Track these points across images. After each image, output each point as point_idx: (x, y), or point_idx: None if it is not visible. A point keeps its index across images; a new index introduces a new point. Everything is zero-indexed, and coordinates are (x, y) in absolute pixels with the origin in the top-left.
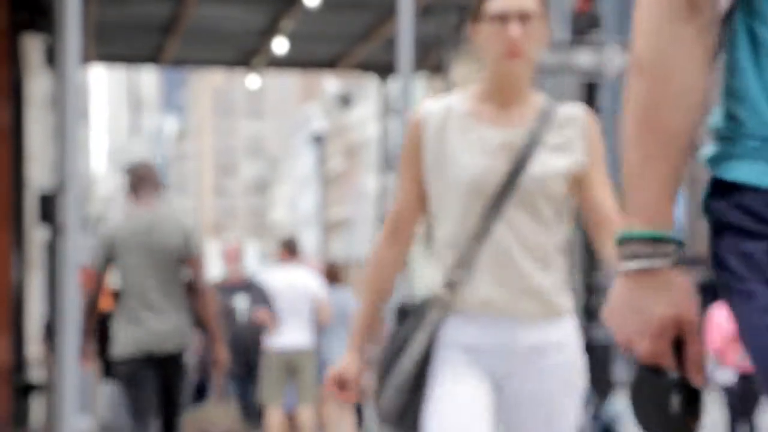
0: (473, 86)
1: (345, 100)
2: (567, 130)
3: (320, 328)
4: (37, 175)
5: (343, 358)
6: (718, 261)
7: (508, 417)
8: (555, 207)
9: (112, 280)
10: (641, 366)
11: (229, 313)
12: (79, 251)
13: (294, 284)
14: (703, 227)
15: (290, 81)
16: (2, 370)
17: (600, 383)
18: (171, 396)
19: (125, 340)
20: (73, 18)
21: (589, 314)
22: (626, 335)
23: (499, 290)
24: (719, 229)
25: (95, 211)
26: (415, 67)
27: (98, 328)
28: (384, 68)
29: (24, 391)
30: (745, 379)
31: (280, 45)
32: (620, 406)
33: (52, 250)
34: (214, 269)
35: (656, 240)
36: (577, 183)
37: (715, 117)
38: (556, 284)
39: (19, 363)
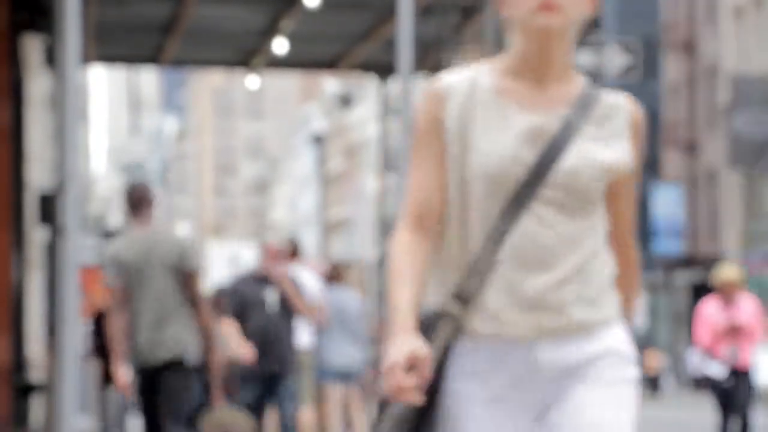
0: (500, 58)
1: (345, 101)
2: (610, 121)
3: (319, 328)
4: (37, 175)
5: (400, 341)
6: None
7: None
8: (590, 207)
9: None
10: None
11: (258, 305)
12: (79, 251)
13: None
14: (704, 227)
15: (290, 81)
16: (2, 371)
17: None
18: (174, 400)
19: (131, 350)
20: (73, 18)
21: None
22: None
23: (514, 306)
24: None
25: (95, 211)
26: (415, 68)
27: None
28: (384, 68)
29: (24, 391)
30: (734, 374)
31: (279, 45)
32: None
33: (52, 251)
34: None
35: None
36: (608, 187)
37: None
38: (584, 294)
39: (19, 363)
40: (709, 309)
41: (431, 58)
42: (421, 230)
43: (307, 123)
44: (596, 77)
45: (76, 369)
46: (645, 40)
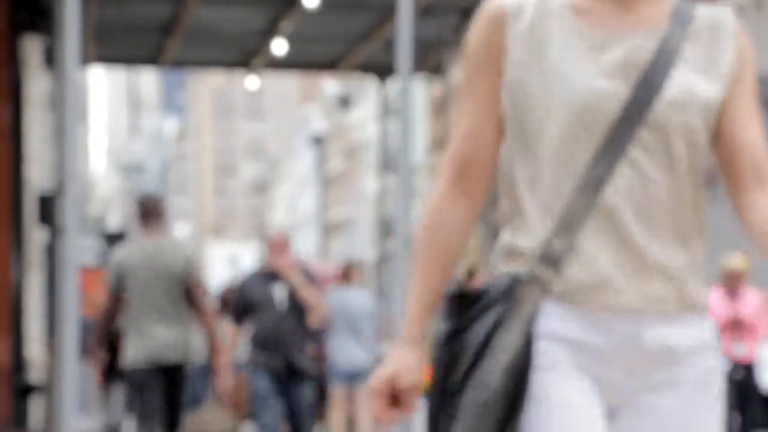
0: None
1: (344, 101)
2: (711, 40)
3: (323, 327)
4: (37, 175)
5: (391, 358)
6: None
7: None
8: (694, 152)
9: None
10: None
11: (266, 304)
12: (79, 252)
13: None
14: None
15: (290, 82)
16: (2, 371)
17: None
18: (174, 401)
19: (135, 351)
20: (73, 19)
21: None
22: None
23: (619, 267)
24: None
25: (95, 211)
26: (415, 68)
27: (104, 333)
28: (383, 69)
29: (24, 391)
30: (739, 367)
31: (279, 46)
32: None
33: (52, 251)
34: (214, 270)
35: None
36: (717, 117)
37: None
38: (694, 266)
39: (18, 363)
40: (712, 300)
41: (431, 58)
42: (460, 188)
43: (306, 124)
44: None
45: (75, 369)
46: None
